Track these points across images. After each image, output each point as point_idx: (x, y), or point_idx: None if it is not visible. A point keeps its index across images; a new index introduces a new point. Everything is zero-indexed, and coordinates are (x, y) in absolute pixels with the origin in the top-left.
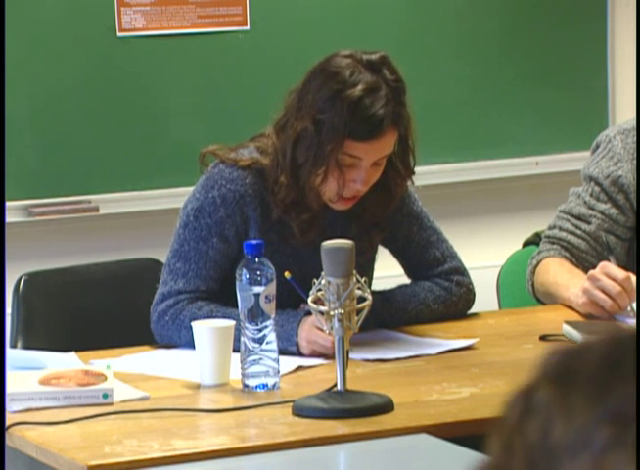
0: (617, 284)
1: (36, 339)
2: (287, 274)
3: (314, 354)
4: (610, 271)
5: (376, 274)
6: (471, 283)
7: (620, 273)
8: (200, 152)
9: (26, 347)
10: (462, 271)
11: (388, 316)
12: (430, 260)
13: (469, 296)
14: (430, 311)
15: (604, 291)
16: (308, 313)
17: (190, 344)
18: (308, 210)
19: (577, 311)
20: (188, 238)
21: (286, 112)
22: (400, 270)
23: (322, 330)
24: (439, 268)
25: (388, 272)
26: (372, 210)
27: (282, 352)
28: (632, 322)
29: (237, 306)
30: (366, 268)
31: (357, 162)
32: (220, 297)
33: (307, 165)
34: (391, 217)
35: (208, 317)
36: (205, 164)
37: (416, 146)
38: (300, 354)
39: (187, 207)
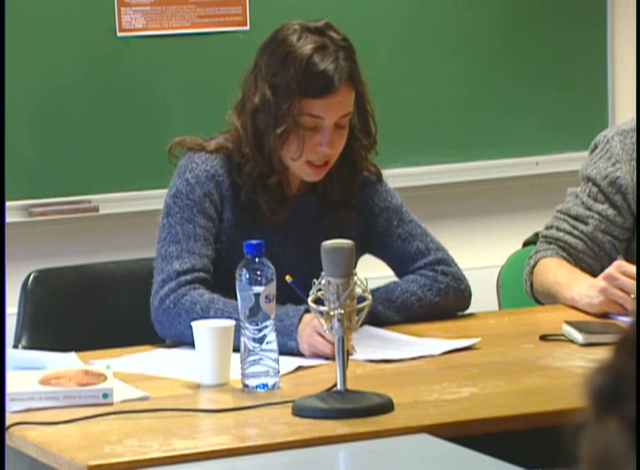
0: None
1: (41, 337)
2: (288, 278)
3: (314, 356)
4: (627, 270)
5: (372, 275)
6: (458, 273)
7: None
8: (167, 145)
9: (31, 344)
10: (448, 262)
11: (377, 307)
12: (413, 253)
13: (459, 285)
14: (418, 300)
15: (623, 289)
16: (308, 311)
17: (190, 329)
18: (274, 175)
19: (580, 311)
20: (173, 223)
21: (242, 91)
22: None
23: (323, 336)
24: (423, 260)
25: (384, 273)
26: (339, 186)
27: (281, 347)
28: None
29: (233, 297)
30: None
31: (319, 122)
32: (219, 286)
33: (269, 129)
34: (368, 212)
35: (209, 303)
36: (175, 156)
37: (375, 112)
38: (299, 352)
39: (166, 198)
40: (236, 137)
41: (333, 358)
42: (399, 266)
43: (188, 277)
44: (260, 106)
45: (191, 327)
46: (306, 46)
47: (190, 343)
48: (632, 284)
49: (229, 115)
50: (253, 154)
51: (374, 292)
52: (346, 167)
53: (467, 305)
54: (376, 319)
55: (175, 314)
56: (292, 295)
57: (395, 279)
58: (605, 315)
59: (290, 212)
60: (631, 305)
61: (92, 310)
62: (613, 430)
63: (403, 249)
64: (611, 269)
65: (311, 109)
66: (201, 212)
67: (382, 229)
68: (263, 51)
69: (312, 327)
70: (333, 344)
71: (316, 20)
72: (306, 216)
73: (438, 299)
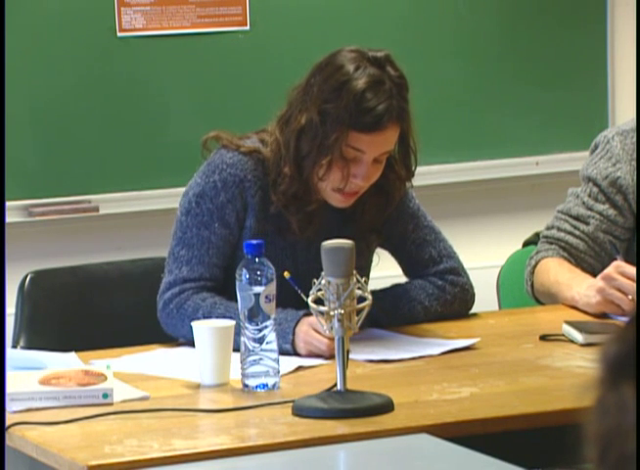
0: (634, 282)
1: (39, 337)
2: (286, 274)
3: (311, 355)
4: (625, 270)
5: (375, 274)
6: (467, 283)
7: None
8: (202, 138)
9: (29, 345)
10: (458, 271)
11: (382, 315)
12: (425, 259)
13: (465, 296)
14: (424, 309)
15: (620, 290)
16: (308, 314)
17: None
18: (309, 203)
19: (580, 311)
20: (190, 224)
21: (289, 106)
22: (399, 270)
23: (319, 332)
24: (435, 268)
25: (388, 272)
26: (370, 214)
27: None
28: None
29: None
30: (361, 273)
31: (360, 155)
32: (224, 289)
33: (312, 156)
34: (387, 215)
35: (211, 309)
36: (209, 150)
37: (417, 147)
38: (296, 353)
39: (189, 193)
40: (276, 149)
41: (329, 355)
42: (410, 270)
43: (193, 284)
44: (306, 129)
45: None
46: (362, 78)
47: (191, 342)
48: (630, 285)
49: (272, 126)
50: (292, 175)
51: (380, 296)
52: (380, 196)
53: (467, 312)
54: (379, 327)
55: (179, 319)
56: (294, 296)
57: (402, 277)
58: (605, 315)
59: (317, 227)
60: (628, 305)
61: (89, 311)
62: (627, 396)
63: (416, 254)
64: (609, 270)
65: (356, 142)
66: (220, 219)
67: (398, 233)
68: (317, 72)
69: (308, 323)
70: (329, 339)
71: (376, 49)
72: (332, 230)
73: (443, 309)
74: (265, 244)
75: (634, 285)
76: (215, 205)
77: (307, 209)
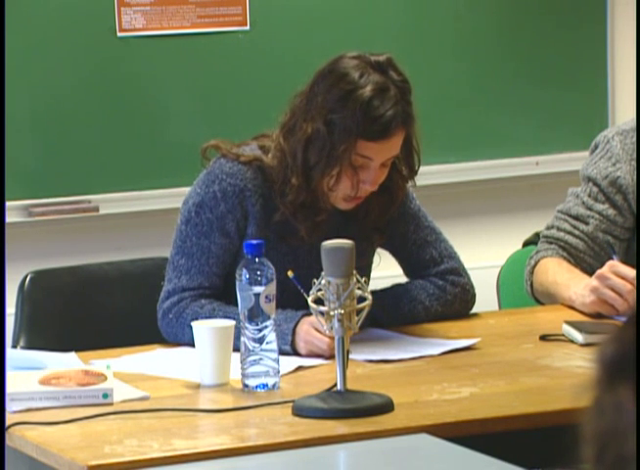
0: (627, 282)
1: (39, 337)
2: (290, 273)
3: (311, 355)
4: (619, 270)
5: (376, 274)
6: (468, 283)
7: (630, 272)
8: (201, 146)
9: (29, 345)
10: (459, 272)
11: (382, 314)
12: (426, 260)
13: (465, 296)
14: (424, 309)
15: (614, 290)
16: (307, 314)
17: (194, 341)
18: (318, 212)
19: (578, 311)
20: (190, 234)
21: (293, 114)
22: (400, 270)
23: (320, 332)
24: (436, 268)
25: (388, 272)
26: (375, 213)
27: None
28: None
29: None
30: (363, 273)
31: (367, 162)
32: (224, 294)
33: (320, 166)
34: (389, 217)
35: (210, 315)
36: (208, 159)
37: (420, 147)
38: (295, 354)
39: (188, 202)
40: (281, 158)
41: (329, 355)
42: (411, 270)
43: (192, 293)
44: (313, 139)
45: (194, 340)
46: (367, 86)
47: (191, 343)
48: (623, 284)
49: (275, 133)
50: (299, 185)
51: (381, 296)
52: (383, 195)
53: (468, 312)
54: (380, 326)
55: (179, 327)
56: (294, 298)
57: (402, 277)
58: (603, 315)
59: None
60: (621, 305)
61: (89, 311)
62: (624, 397)
63: (417, 255)
64: (603, 269)
65: (364, 150)
66: (220, 229)
67: (398, 234)
68: (320, 80)
69: (309, 323)
70: (330, 338)
71: (378, 53)
72: (335, 231)
73: (443, 309)
74: (267, 249)
75: (628, 285)
76: (215, 215)
77: (316, 219)
